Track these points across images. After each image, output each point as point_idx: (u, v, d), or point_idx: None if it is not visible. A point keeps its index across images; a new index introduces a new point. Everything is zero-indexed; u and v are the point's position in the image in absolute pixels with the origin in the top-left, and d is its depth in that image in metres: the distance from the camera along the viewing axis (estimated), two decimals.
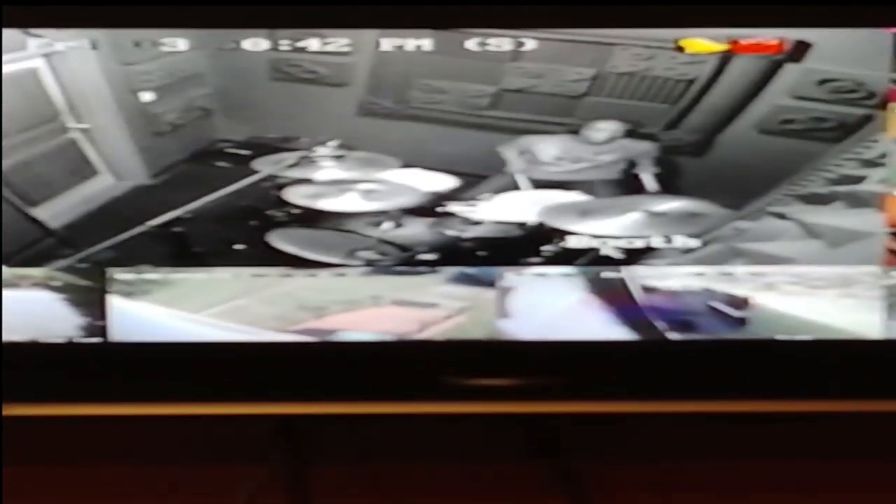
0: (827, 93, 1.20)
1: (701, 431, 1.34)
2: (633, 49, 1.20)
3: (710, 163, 1.23)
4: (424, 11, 1.19)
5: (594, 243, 1.25)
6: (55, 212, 1.24)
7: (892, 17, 1.18)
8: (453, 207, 1.25)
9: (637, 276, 1.25)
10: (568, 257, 1.25)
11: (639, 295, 1.25)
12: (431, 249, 1.25)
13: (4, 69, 1.20)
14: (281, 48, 1.21)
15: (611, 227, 1.25)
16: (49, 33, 1.19)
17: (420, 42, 1.20)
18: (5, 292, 1.24)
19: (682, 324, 1.25)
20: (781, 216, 1.24)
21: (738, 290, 1.25)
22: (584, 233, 1.25)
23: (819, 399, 1.24)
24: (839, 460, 1.38)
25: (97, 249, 1.24)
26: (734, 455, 1.37)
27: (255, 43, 1.21)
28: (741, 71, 1.20)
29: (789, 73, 1.20)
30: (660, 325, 1.25)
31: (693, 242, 1.25)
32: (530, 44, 1.20)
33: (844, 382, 1.23)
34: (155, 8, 1.18)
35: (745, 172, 1.23)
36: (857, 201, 1.24)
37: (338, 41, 1.21)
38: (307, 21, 1.20)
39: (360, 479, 1.38)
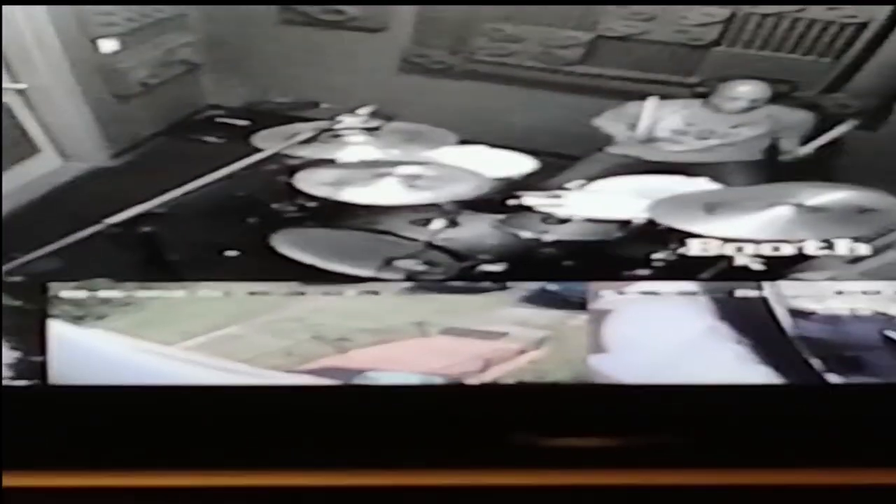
0: None
1: None
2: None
3: (888, 138, 1.07)
4: None
5: (725, 250, 1.09)
6: None
7: None
8: (530, 200, 1.10)
9: (785, 296, 1.09)
10: (689, 269, 1.09)
11: (787, 321, 1.09)
12: (499, 258, 1.09)
13: None
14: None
15: (749, 228, 1.09)
16: None
17: None
18: None
19: (848, 362, 1.08)
20: None
21: None
22: (711, 235, 1.09)
23: None
24: None
25: (35, 257, 1.11)
26: None
27: None
28: None
29: None
30: (816, 363, 1.09)
31: (863, 249, 1.08)
32: None
33: None
34: None
35: None
36: None
37: None
38: None
39: None
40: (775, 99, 1.07)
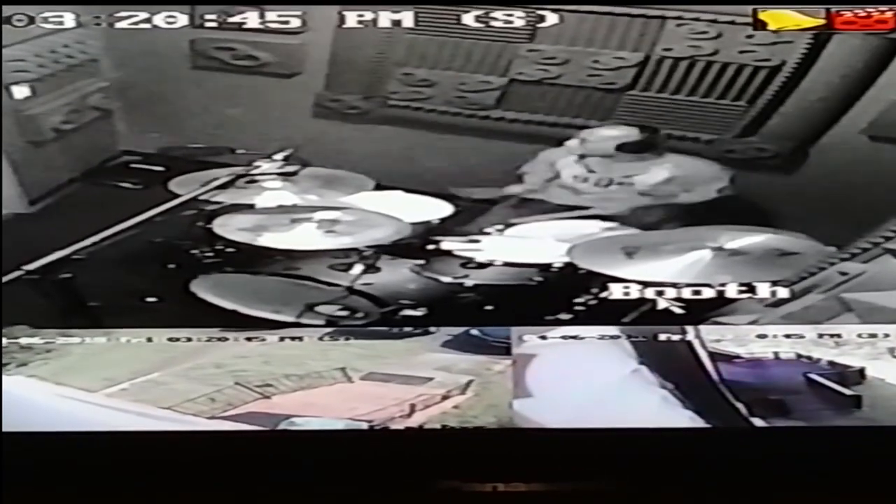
0: None
1: None
2: (694, 24, 1.06)
3: (804, 181, 1.07)
4: None
5: (647, 293, 1.08)
6: None
7: None
8: (449, 244, 1.09)
9: (708, 340, 1.08)
10: (611, 313, 1.08)
11: (710, 365, 1.08)
12: (420, 303, 1.08)
13: None
14: (206, 24, 1.08)
15: (669, 272, 1.08)
16: None
17: (398, 16, 1.07)
18: None
19: (772, 405, 1.07)
20: None
21: (849, 359, 1.08)
22: (632, 279, 1.08)
23: None
24: None
25: None
26: None
27: (171, 17, 1.08)
28: (843, 54, 1.06)
29: None
30: (741, 406, 1.07)
31: (783, 292, 1.07)
32: (551, 18, 1.06)
33: None
34: None
35: (853, 194, 1.06)
36: None
37: (285, 14, 1.08)
38: None
39: None
40: (688, 142, 1.07)
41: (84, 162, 1.10)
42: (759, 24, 1.05)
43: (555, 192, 1.08)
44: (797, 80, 1.05)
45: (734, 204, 1.08)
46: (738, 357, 1.07)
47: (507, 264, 1.08)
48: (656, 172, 1.07)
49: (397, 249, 1.08)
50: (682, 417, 1.07)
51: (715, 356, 1.07)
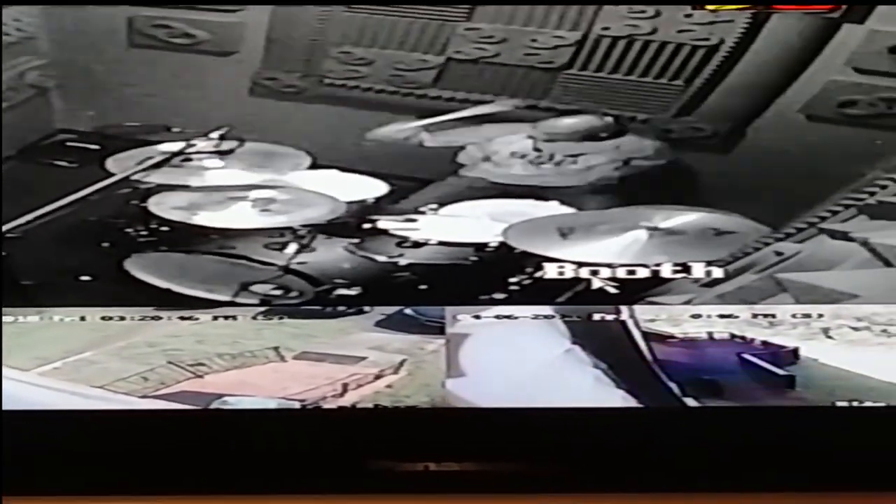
0: None
1: None
2: (630, 4, 1.04)
3: (740, 161, 1.06)
4: None
5: (581, 273, 1.07)
6: None
7: None
8: (384, 223, 1.08)
9: (641, 320, 1.08)
10: (544, 293, 1.08)
11: (644, 345, 1.08)
12: (354, 282, 1.08)
13: None
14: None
15: (604, 252, 1.07)
16: None
17: None
18: None
19: (705, 385, 1.07)
20: (840, 235, 1.07)
21: (782, 339, 1.08)
22: (566, 259, 1.07)
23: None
24: None
25: None
26: None
27: None
28: (782, 34, 1.04)
29: (848, 36, 1.03)
30: (673, 386, 1.07)
31: (717, 272, 1.07)
32: None
33: None
34: None
35: (789, 174, 1.05)
36: None
37: None
38: None
39: None
40: (625, 122, 1.06)
41: (19, 140, 1.08)
42: (697, 4, 1.04)
43: (494, 171, 1.08)
44: (735, 60, 1.04)
45: (670, 183, 1.07)
46: (671, 337, 1.07)
47: (442, 243, 1.07)
48: (601, 151, 1.07)
49: (332, 228, 1.08)
50: (614, 397, 1.06)
51: (649, 336, 1.07)
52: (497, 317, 1.07)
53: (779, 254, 1.06)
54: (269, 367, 1.08)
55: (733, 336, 1.07)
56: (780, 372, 1.06)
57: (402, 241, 1.07)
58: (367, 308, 1.07)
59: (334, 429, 1.08)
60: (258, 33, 1.04)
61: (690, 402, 1.06)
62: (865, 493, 1.03)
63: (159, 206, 1.07)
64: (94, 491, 1.05)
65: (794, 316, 1.06)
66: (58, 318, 1.07)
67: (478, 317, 1.07)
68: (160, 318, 1.07)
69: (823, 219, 1.05)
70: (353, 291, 1.07)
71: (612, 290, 1.06)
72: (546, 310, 1.07)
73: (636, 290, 1.07)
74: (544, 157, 1.07)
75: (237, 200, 1.08)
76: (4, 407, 1.06)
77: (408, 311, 1.07)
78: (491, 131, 1.06)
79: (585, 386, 1.07)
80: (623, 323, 1.07)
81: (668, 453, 1.05)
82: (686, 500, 1.04)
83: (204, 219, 1.08)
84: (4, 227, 1.06)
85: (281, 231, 1.07)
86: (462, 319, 1.07)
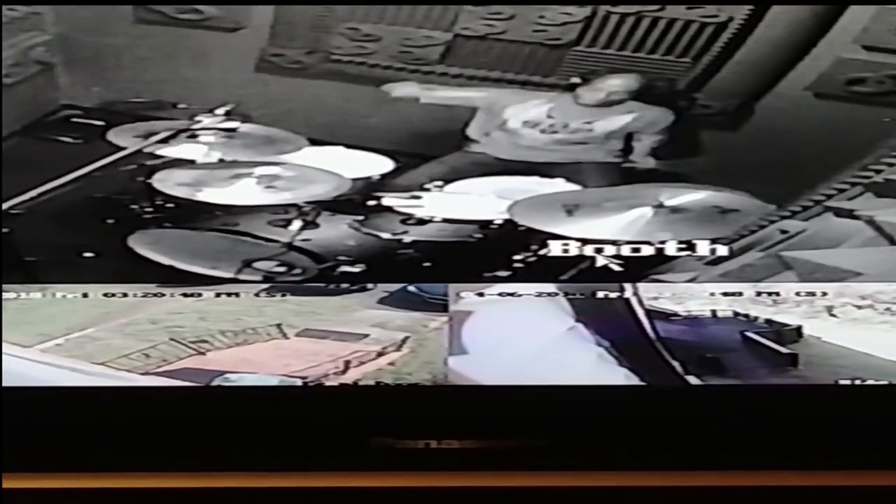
0: None
1: None
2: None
3: (747, 139, 1.06)
4: None
5: (586, 251, 1.07)
6: None
7: None
8: (389, 201, 1.08)
9: (645, 297, 1.08)
10: (549, 271, 1.08)
11: (647, 323, 1.08)
12: (358, 259, 1.08)
13: None
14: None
15: (609, 229, 1.07)
16: None
17: None
18: None
19: (708, 363, 1.07)
20: (846, 213, 1.07)
21: (786, 317, 1.08)
22: (571, 237, 1.08)
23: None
24: None
25: None
26: None
27: None
28: (790, 11, 1.04)
29: (857, 14, 1.03)
30: (677, 364, 1.07)
31: (722, 250, 1.07)
32: None
33: None
34: None
35: (796, 152, 1.05)
36: None
37: None
38: None
39: None
40: (638, 94, 1.06)
41: (24, 116, 1.08)
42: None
43: (501, 147, 1.08)
44: (743, 37, 1.04)
45: (676, 160, 1.08)
46: (675, 315, 1.07)
47: (446, 221, 1.07)
48: (616, 119, 1.07)
49: (337, 205, 1.08)
50: (617, 375, 1.07)
51: (652, 314, 1.07)
52: (500, 294, 1.07)
53: (784, 231, 1.06)
54: (271, 345, 1.08)
55: (736, 314, 1.07)
56: (783, 350, 1.06)
57: (406, 219, 1.07)
58: (370, 285, 1.07)
59: (336, 406, 1.08)
60: (266, 9, 1.04)
61: (693, 379, 1.06)
62: (868, 470, 1.03)
63: (164, 182, 1.07)
64: (96, 468, 1.05)
65: (797, 294, 1.06)
66: (60, 294, 1.08)
67: (481, 294, 1.07)
68: (163, 294, 1.07)
69: (829, 196, 1.05)
70: (356, 268, 1.07)
71: (616, 268, 1.06)
72: (550, 287, 1.07)
73: (640, 267, 1.07)
74: (557, 125, 1.07)
75: (242, 177, 1.08)
76: (5, 383, 1.06)
77: (411, 288, 1.08)
78: (507, 97, 1.06)
79: (588, 363, 1.07)
80: (627, 301, 1.07)
81: (670, 431, 1.05)
82: (689, 477, 1.04)
83: (208, 195, 1.08)
84: (8, 204, 1.06)
85: (285, 208, 1.07)
86: (465, 297, 1.07)
